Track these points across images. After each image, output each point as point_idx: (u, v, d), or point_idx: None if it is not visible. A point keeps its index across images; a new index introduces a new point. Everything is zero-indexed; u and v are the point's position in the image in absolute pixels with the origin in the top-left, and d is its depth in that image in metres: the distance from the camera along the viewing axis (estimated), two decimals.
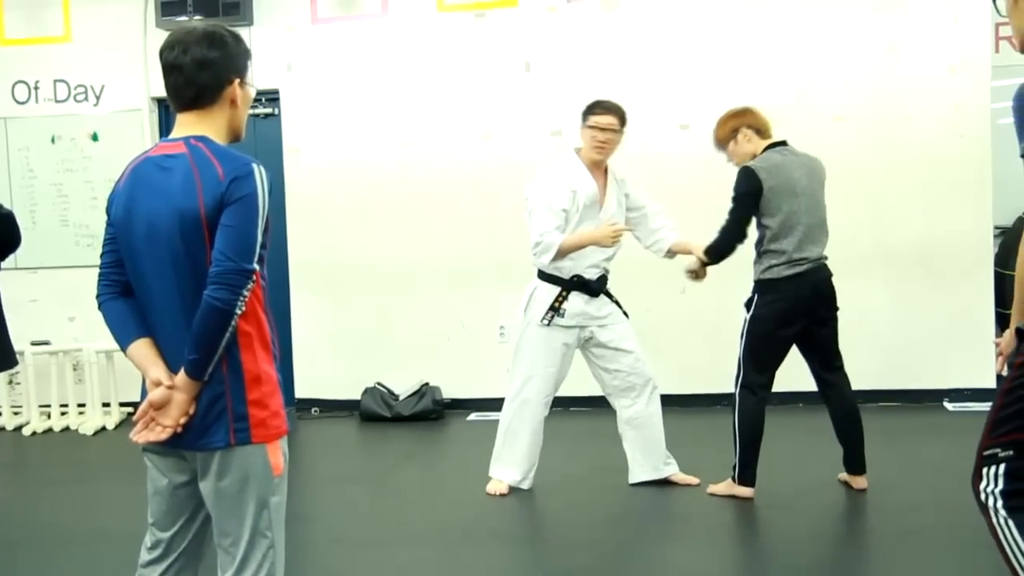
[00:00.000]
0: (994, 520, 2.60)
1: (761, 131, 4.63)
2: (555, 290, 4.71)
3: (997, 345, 2.66)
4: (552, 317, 4.70)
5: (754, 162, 4.53)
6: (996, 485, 2.59)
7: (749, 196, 4.49)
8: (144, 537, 2.54)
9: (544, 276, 4.76)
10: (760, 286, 4.55)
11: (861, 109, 6.37)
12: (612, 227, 4.61)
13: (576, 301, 4.72)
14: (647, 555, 4.09)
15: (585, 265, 4.72)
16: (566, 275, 4.71)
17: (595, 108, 4.75)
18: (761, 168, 4.49)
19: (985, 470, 2.61)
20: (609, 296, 4.83)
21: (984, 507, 2.62)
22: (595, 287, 4.75)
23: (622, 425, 4.89)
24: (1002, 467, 2.58)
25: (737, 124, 4.63)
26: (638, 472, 4.89)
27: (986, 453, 2.62)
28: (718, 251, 4.62)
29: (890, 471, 4.84)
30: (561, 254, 4.62)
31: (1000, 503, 2.58)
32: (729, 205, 4.56)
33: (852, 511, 4.56)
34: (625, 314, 4.86)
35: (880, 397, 6.30)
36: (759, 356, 4.55)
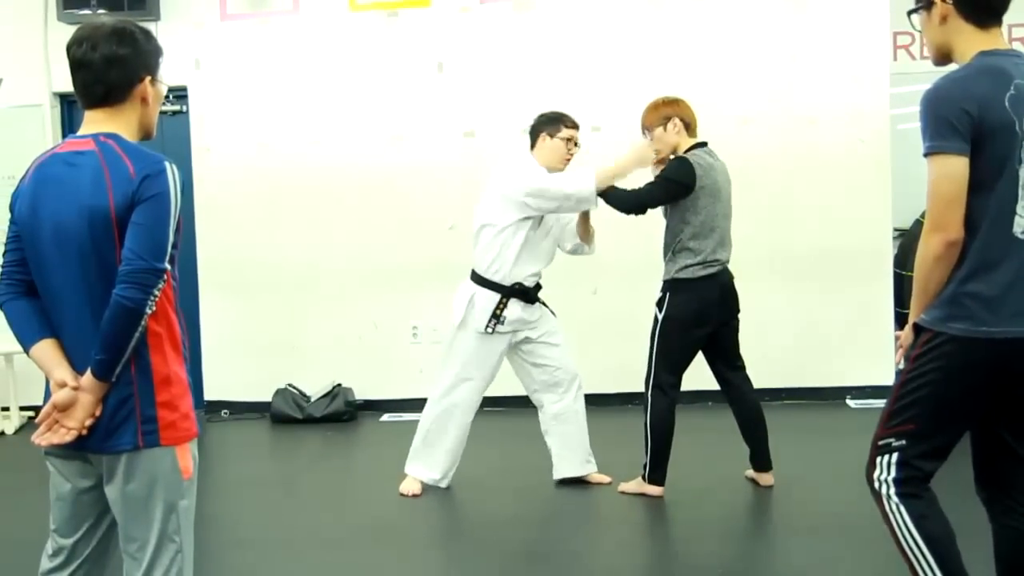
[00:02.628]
0: (886, 507, 2.70)
1: (689, 126, 4.67)
2: (495, 297, 4.69)
3: (897, 338, 2.76)
4: (495, 325, 4.70)
5: (692, 157, 4.54)
6: (889, 473, 2.70)
7: (679, 186, 4.49)
8: (46, 544, 2.48)
9: (483, 282, 4.72)
10: (672, 285, 4.59)
11: (766, 113, 6.52)
12: (649, 145, 4.58)
13: (515, 308, 4.72)
14: (558, 554, 4.11)
15: (526, 273, 4.72)
16: (508, 283, 4.70)
17: (566, 120, 4.74)
18: (698, 164, 4.51)
19: (879, 459, 2.72)
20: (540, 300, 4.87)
21: (877, 495, 2.73)
22: (533, 295, 4.77)
23: (548, 421, 4.89)
24: (895, 456, 2.69)
25: (671, 113, 4.65)
26: (563, 468, 4.91)
27: (881, 443, 2.72)
28: (614, 196, 4.53)
29: (795, 467, 4.96)
30: (600, 184, 4.48)
31: (893, 490, 2.69)
32: (652, 185, 4.53)
33: (758, 507, 4.66)
34: (553, 313, 4.90)
35: (785, 395, 6.44)
36: (671, 357, 4.60)
